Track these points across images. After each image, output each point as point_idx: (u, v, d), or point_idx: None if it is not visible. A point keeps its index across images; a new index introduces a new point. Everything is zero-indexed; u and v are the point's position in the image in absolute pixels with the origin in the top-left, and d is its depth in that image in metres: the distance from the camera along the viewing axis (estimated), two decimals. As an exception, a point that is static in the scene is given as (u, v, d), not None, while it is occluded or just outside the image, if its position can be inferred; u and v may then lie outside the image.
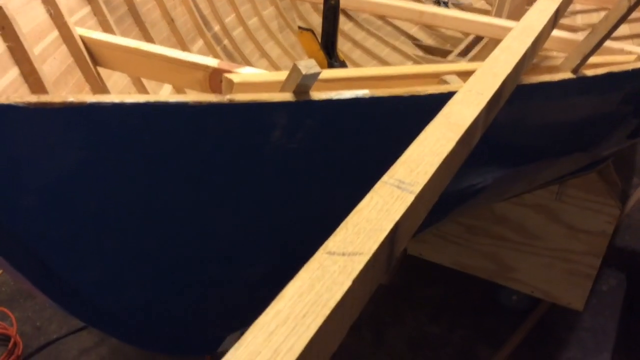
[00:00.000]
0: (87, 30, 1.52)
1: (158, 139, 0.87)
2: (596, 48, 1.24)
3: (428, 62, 3.71)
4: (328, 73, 1.14)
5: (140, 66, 1.44)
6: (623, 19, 1.18)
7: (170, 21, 2.36)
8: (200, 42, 2.57)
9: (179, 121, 0.87)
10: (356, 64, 3.33)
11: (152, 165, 0.89)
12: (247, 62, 2.81)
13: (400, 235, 0.66)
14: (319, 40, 1.24)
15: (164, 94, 1.95)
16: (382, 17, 3.57)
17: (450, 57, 3.18)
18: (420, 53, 3.85)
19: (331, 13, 1.21)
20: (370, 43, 3.71)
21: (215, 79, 1.38)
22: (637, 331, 2.58)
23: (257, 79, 1.07)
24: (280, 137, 0.98)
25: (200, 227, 0.98)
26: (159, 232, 0.93)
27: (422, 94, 1.06)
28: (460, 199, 1.64)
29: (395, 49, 3.80)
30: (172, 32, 2.35)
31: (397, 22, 4.09)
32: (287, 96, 0.93)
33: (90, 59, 1.48)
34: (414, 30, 4.08)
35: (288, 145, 0.99)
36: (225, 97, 0.89)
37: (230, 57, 2.75)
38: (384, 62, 3.59)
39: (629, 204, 3.15)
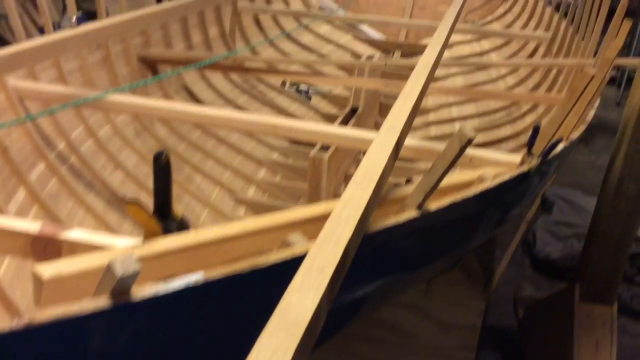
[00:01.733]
0: None
1: None
2: (437, 185, 1.25)
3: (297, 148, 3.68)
4: (160, 245, 1.04)
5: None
6: (457, 158, 1.20)
7: (4, 150, 2.14)
8: (41, 166, 2.35)
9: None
10: (209, 176, 3.22)
11: None
12: (98, 178, 2.63)
13: None
14: (153, 200, 1.14)
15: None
16: None
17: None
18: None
19: (162, 173, 1.11)
20: (236, 138, 3.65)
21: (38, 244, 1.22)
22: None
23: (76, 267, 0.94)
24: (100, 343, 0.85)
25: None
26: None
27: (264, 266, 0.98)
28: (334, 324, 1.58)
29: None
30: (6, 163, 2.13)
31: (262, 114, 4.12)
32: (102, 302, 0.81)
33: None
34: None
35: (110, 349, 0.86)
36: (22, 322, 0.75)
37: (78, 176, 2.55)
38: (249, 156, 3.54)
39: (494, 279, 3.28)
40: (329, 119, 4.25)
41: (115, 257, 0.80)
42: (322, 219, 1.24)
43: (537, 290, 3.37)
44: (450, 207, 1.33)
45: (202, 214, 2.98)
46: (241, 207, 3.17)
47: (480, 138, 3.91)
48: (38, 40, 2.07)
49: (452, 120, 4.30)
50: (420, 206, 1.27)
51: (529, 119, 3.77)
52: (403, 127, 1.47)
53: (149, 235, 1.09)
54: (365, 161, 1.25)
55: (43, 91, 2.33)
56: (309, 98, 4.56)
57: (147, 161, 3.04)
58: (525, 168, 1.58)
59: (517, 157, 1.85)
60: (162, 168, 1.11)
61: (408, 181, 1.71)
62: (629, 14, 2.53)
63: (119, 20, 2.49)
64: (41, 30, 2.71)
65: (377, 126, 4.32)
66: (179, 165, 3.20)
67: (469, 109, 4.33)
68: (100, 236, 1.21)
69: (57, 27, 2.77)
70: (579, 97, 1.55)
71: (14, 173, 2.17)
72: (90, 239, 1.20)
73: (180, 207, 1.19)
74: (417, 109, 1.75)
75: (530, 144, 1.58)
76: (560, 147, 1.70)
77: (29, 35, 2.72)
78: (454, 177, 1.58)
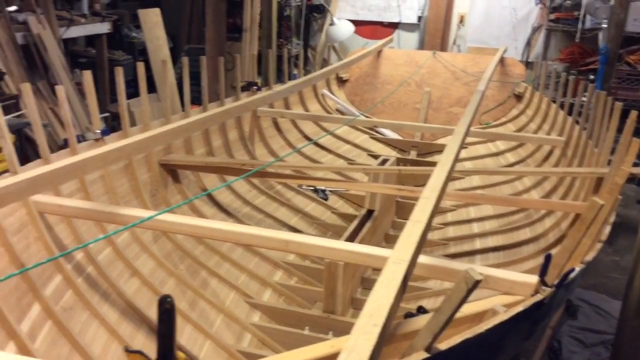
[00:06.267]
0: None
1: None
2: (445, 326, 1.23)
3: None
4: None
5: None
6: (464, 300, 1.19)
7: (20, 266, 2.18)
8: (57, 279, 2.37)
9: None
10: (225, 280, 3.20)
11: None
12: (114, 288, 2.63)
13: None
14: (157, 346, 1.14)
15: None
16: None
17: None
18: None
19: (167, 316, 1.12)
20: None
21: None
22: None
23: None
24: None
25: None
26: None
27: None
28: None
29: None
30: (22, 279, 2.16)
31: (279, 214, 4.16)
32: None
33: None
34: (294, 221, 4.15)
35: None
36: None
37: (94, 286, 2.56)
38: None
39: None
40: (347, 218, 4.27)
41: None
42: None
43: (565, 405, 3.20)
44: (460, 344, 1.30)
45: (217, 320, 2.95)
46: (256, 312, 3.13)
47: (499, 241, 3.87)
48: (62, 162, 2.15)
49: (470, 221, 4.28)
50: (429, 348, 1.24)
51: (548, 222, 3.73)
52: (412, 257, 1.47)
53: (151, 384, 1.08)
54: (370, 301, 1.23)
55: (63, 205, 2.40)
56: (326, 197, 4.61)
57: (164, 266, 3.05)
58: (538, 297, 1.55)
59: (532, 279, 1.82)
60: (166, 312, 1.12)
61: (420, 309, 1.68)
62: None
63: (142, 137, 2.59)
64: (65, 141, 2.82)
65: (394, 226, 4.32)
66: (195, 269, 3.21)
67: (487, 210, 4.31)
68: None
69: (81, 139, 2.88)
70: (589, 225, 1.54)
71: (30, 289, 2.19)
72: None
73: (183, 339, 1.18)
74: (427, 232, 1.75)
75: (542, 273, 1.56)
76: (575, 272, 1.68)
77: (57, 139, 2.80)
78: (466, 308, 1.55)
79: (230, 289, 3.20)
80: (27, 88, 2.50)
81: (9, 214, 2.30)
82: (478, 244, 3.91)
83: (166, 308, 1.12)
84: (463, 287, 1.18)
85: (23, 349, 2.01)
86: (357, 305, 3.27)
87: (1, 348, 1.98)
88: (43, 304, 2.19)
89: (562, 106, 4.81)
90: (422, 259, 2.00)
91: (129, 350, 1.02)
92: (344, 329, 2.85)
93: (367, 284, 3.53)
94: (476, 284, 1.17)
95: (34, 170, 2.08)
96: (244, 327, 2.93)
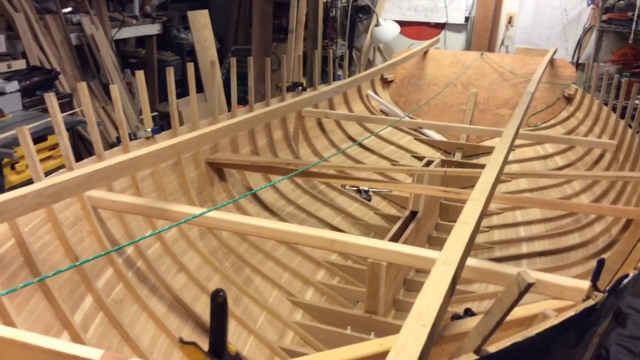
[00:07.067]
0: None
1: None
2: (495, 328, 1.22)
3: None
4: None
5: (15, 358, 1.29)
6: (516, 303, 1.17)
7: (74, 259, 2.26)
8: (109, 272, 2.45)
9: None
10: (268, 278, 3.25)
11: None
12: (162, 282, 2.70)
13: None
14: (209, 338, 1.17)
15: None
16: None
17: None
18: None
19: (219, 310, 1.14)
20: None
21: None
22: None
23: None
24: None
25: None
26: None
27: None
28: None
29: None
30: (76, 271, 2.24)
31: (322, 214, 4.18)
32: None
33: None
34: (337, 221, 4.16)
35: None
36: None
37: (143, 280, 2.63)
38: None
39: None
40: (390, 219, 4.25)
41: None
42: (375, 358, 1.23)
43: (613, 416, 3.11)
44: (509, 348, 1.29)
45: (260, 317, 2.99)
46: (298, 311, 3.16)
47: (547, 245, 3.79)
48: (116, 159, 2.22)
49: (516, 224, 4.20)
50: (478, 350, 1.23)
51: (598, 228, 3.63)
52: (460, 259, 1.46)
53: (204, 375, 1.10)
54: (419, 301, 1.23)
55: (116, 201, 2.47)
56: (369, 198, 4.61)
57: (210, 262, 3.11)
58: (590, 303, 1.51)
59: (583, 284, 1.78)
60: (218, 305, 1.14)
61: (467, 311, 1.66)
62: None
63: (191, 135, 2.65)
64: (118, 139, 2.91)
65: (438, 228, 4.28)
66: (239, 266, 3.26)
67: (534, 213, 4.23)
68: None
69: (133, 137, 2.96)
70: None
71: (83, 281, 2.26)
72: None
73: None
74: (476, 234, 1.73)
75: (595, 278, 1.53)
76: (628, 278, 1.63)
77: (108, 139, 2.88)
78: (515, 311, 1.53)
79: (273, 286, 3.24)
80: (83, 87, 2.59)
81: (65, 208, 2.39)
82: (525, 248, 3.84)
83: (219, 302, 1.15)
84: (515, 289, 1.16)
85: (76, 339, 2.09)
86: (399, 307, 3.26)
87: (56, 337, 2.05)
88: (95, 295, 2.27)
89: (614, 109, 4.67)
90: (470, 261, 1.98)
91: (183, 342, 1.05)
92: (386, 330, 2.85)
93: (410, 286, 3.51)
94: (529, 287, 1.15)
95: (89, 166, 2.15)
96: (287, 324, 2.96)
